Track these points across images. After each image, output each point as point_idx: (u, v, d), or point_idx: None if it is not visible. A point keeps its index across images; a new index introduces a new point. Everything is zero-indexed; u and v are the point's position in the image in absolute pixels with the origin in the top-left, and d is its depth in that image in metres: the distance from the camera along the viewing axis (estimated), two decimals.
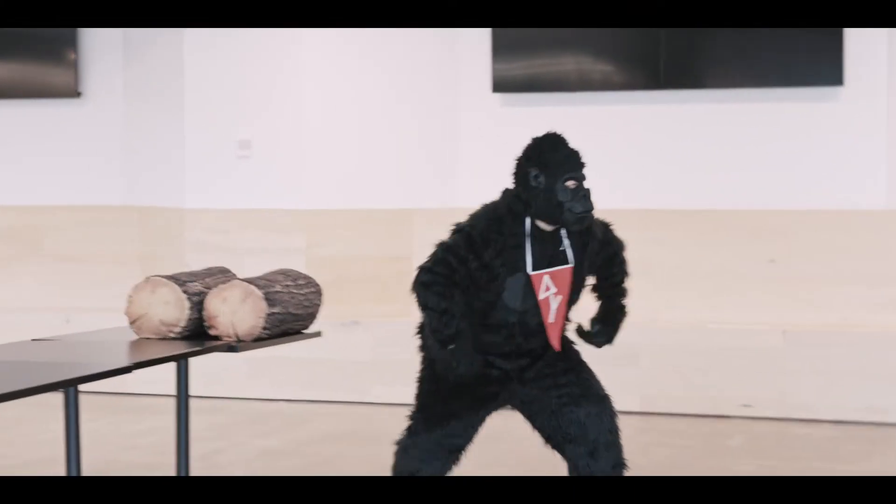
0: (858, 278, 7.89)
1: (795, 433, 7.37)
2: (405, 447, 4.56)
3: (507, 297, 4.40)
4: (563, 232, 4.39)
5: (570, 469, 4.50)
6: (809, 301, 7.87)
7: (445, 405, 4.54)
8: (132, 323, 5.06)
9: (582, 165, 4.46)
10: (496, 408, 4.59)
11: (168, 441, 5.83)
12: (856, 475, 6.24)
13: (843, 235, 7.90)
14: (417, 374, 4.64)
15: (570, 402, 4.46)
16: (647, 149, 8.31)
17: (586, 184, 4.39)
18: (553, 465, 4.70)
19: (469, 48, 8.53)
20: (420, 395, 4.60)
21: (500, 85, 8.40)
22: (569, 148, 4.48)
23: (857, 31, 7.88)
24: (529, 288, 4.35)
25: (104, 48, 8.87)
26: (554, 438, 4.49)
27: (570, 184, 4.35)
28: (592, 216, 4.39)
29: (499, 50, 8.36)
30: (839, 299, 7.86)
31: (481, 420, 4.56)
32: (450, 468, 4.57)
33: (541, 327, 4.40)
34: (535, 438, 4.63)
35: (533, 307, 4.37)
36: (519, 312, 4.39)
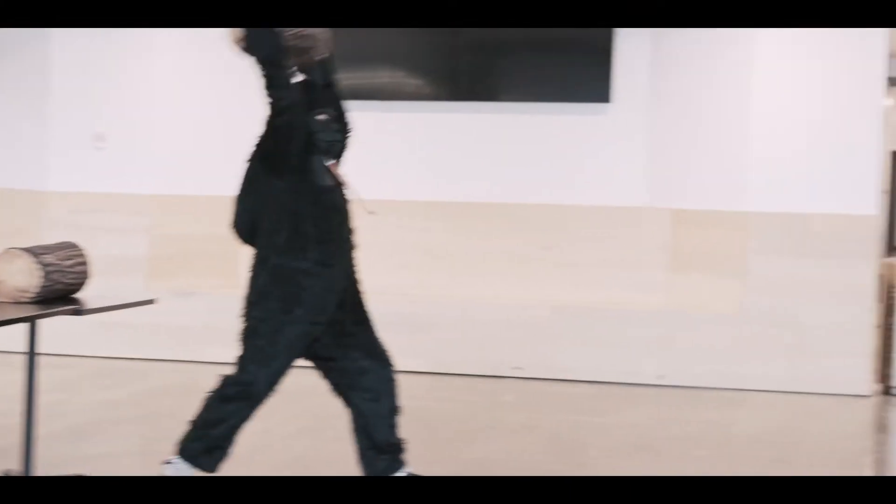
0: (618, 264, 8.42)
1: (559, 391, 7.81)
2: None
3: None
4: None
5: (355, 416, 4.72)
6: (577, 282, 8.43)
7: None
8: None
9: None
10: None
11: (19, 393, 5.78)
12: (612, 424, 6.85)
13: (607, 228, 8.47)
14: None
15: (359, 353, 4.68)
16: (450, 150, 8.72)
17: None
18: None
19: None
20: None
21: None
22: None
23: (622, 55, 8.38)
24: None
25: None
26: (340, 386, 4.70)
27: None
28: None
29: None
30: (602, 281, 8.41)
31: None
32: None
33: None
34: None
35: None
36: None
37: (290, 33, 4.39)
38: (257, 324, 4.50)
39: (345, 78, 7.77)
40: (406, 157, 8.77)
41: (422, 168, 8.70)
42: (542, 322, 8.33)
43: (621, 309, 8.32)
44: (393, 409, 4.75)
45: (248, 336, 4.56)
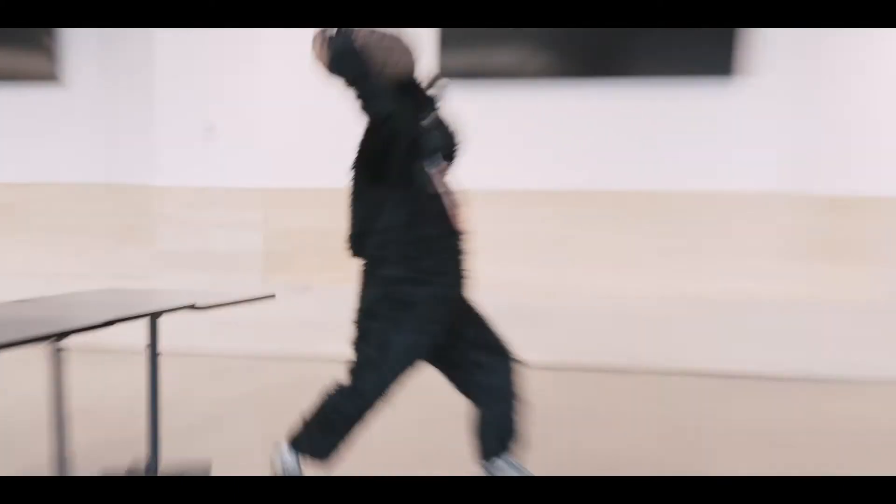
0: (747, 252, 7.74)
1: (684, 385, 7.35)
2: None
3: None
4: None
5: (477, 413, 4.55)
6: (704, 272, 7.78)
7: None
8: None
9: None
10: None
11: (142, 387, 6.10)
12: (741, 419, 6.34)
13: (736, 214, 7.75)
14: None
15: None
16: (573, 133, 7.94)
17: None
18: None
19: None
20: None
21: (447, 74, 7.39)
22: None
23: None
24: None
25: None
26: (463, 385, 4.63)
27: None
28: None
29: (447, 42, 7.92)
30: (731, 270, 7.72)
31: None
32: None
33: None
34: None
35: None
36: None
37: (371, 39, 4.24)
38: (367, 334, 4.39)
39: (462, 56, 7.73)
40: (530, 143, 8.17)
41: (545, 154, 8.09)
42: (667, 313, 7.78)
43: (751, 300, 7.72)
44: (513, 405, 4.58)
45: (360, 345, 4.45)
